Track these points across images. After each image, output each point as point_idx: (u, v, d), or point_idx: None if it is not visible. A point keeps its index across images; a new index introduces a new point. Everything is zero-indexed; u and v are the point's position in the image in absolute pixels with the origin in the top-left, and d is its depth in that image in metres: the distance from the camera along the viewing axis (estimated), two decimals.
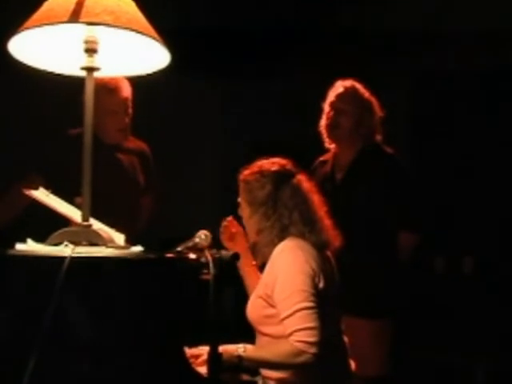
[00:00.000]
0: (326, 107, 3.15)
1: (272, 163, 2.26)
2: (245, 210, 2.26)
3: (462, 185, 4.59)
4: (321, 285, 2.09)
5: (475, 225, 4.48)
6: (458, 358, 4.01)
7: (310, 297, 2.03)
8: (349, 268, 2.34)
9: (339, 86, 3.14)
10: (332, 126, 3.10)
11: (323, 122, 3.15)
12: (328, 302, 2.12)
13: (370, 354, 2.84)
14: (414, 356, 4.06)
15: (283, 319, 2.04)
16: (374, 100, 3.13)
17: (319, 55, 4.54)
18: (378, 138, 3.14)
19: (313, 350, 1.96)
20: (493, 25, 4.33)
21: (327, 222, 2.23)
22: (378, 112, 3.13)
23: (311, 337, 1.98)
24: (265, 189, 2.20)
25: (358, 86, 3.13)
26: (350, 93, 3.10)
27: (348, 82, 3.14)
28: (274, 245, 2.16)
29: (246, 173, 2.26)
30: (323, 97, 3.20)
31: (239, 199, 2.29)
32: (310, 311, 2.01)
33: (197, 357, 2.04)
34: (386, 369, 2.99)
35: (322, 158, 3.24)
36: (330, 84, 3.20)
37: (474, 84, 4.58)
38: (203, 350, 2.03)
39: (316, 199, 2.24)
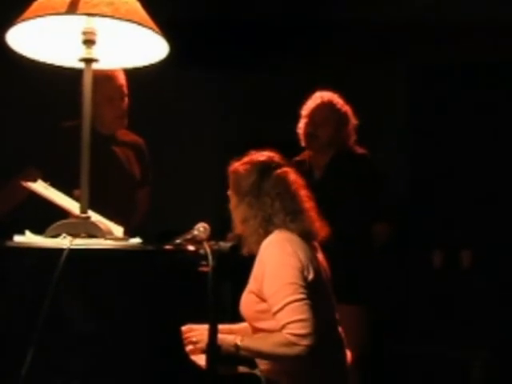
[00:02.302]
0: (304, 116, 3.35)
1: (261, 154, 2.30)
2: (232, 200, 2.29)
3: (460, 178, 4.59)
4: (310, 276, 2.10)
5: (473, 219, 4.48)
6: (456, 352, 4.02)
7: (300, 289, 2.03)
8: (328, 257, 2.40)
9: (318, 98, 3.34)
10: (310, 137, 3.32)
11: (302, 129, 3.35)
12: (319, 292, 2.13)
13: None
14: (412, 350, 4.07)
15: (274, 313, 2.04)
16: (349, 110, 3.35)
17: (318, 48, 4.55)
18: (352, 142, 3.37)
19: (305, 341, 1.96)
20: (493, 17, 4.32)
21: (312, 213, 2.25)
22: (353, 121, 3.35)
23: (303, 329, 1.97)
24: (250, 178, 2.23)
25: (336, 98, 3.34)
26: (328, 106, 3.31)
27: (326, 96, 3.34)
28: (259, 235, 2.18)
29: (235, 164, 2.30)
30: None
31: (228, 192, 2.31)
32: (300, 303, 2.01)
33: (195, 343, 2.05)
34: (361, 352, 3.07)
35: (298, 158, 3.41)
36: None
37: (473, 77, 4.58)
38: (200, 330, 2.03)
39: (302, 193, 2.27)
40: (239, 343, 2.03)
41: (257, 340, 2.11)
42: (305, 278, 2.07)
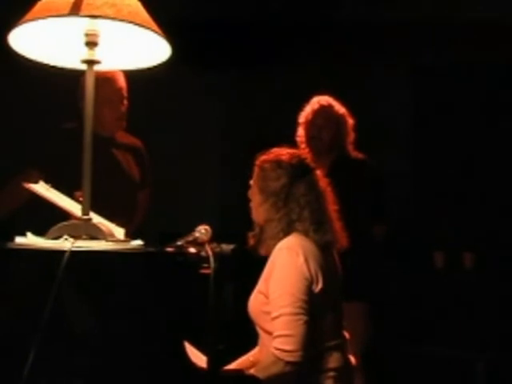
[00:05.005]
0: (304, 122, 3.49)
1: (291, 155, 2.22)
2: (255, 196, 2.22)
3: (462, 180, 4.59)
4: (318, 287, 2.07)
5: (475, 220, 4.48)
6: (457, 353, 4.02)
7: (298, 302, 2.01)
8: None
9: (316, 103, 3.50)
10: (314, 140, 3.45)
11: (302, 136, 3.48)
12: (327, 302, 2.11)
13: None
14: (414, 350, 4.07)
15: (272, 319, 2.03)
16: (345, 111, 3.51)
17: (319, 48, 4.55)
18: (350, 145, 3.53)
19: (289, 357, 1.95)
20: (493, 17, 4.33)
21: (336, 223, 2.22)
22: (350, 121, 3.51)
23: (288, 344, 1.96)
24: (279, 181, 2.16)
25: (332, 101, 3.50)
26: (327, 109, 3.48)
27: (323, 100, 3.50)
28: (279, 238, 2.14)
29: (262, 159, 2.23)
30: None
31: (251, 182, 2.25)
32: (293, 317, 1.99)
33: None
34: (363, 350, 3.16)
35: None
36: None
37: (474, 77, 4.58)
38: None
39: (329, 198, 2.23)
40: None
41: (257, 371, 2.05)
42: (310, 291, 2.04)
